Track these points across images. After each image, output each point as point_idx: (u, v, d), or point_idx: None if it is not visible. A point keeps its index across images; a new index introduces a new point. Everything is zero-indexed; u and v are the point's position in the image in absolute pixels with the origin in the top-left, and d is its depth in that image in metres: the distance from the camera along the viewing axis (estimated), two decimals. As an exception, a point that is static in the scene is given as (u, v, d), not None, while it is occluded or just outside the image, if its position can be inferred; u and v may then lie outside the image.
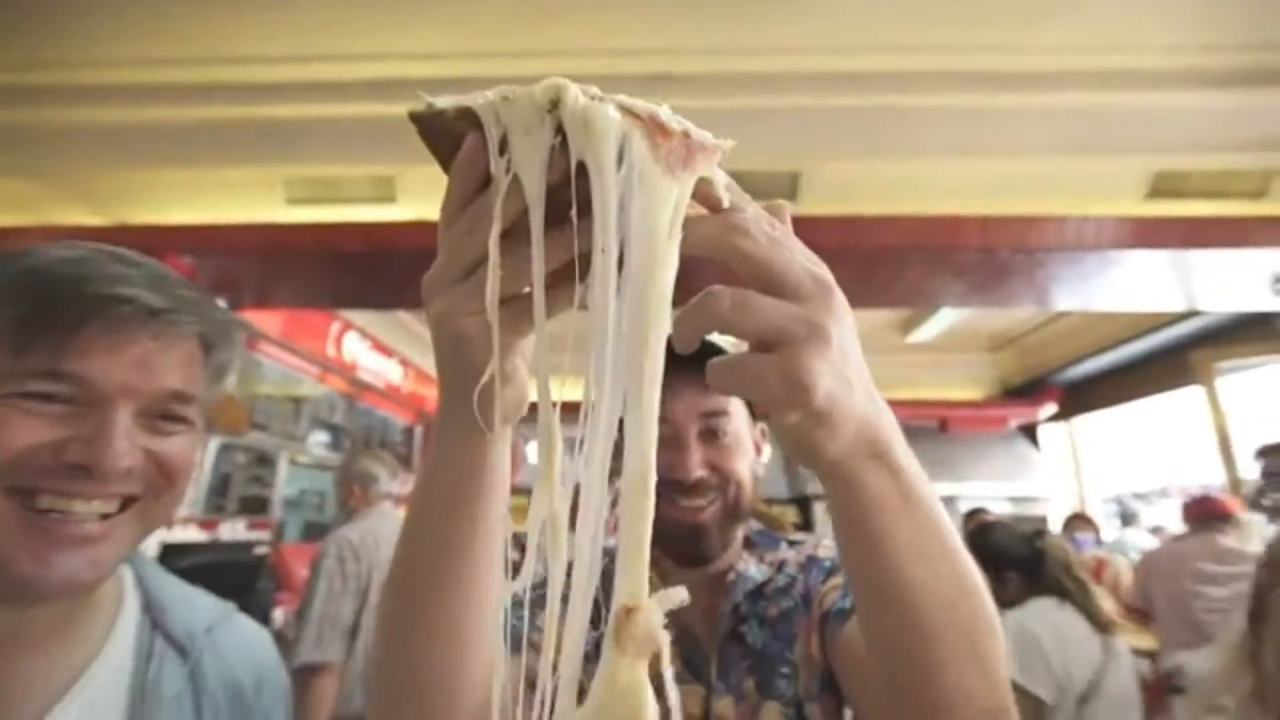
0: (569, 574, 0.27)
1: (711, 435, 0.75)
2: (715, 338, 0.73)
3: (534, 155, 0.30)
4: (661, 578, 0.75)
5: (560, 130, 0.29)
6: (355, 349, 5.04)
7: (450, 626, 0.41)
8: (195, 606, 0.65)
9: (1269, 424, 4.36)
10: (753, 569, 0.79)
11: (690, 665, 0.74)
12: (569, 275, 0.31)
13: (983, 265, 3.29)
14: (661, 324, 0.28)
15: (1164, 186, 3.05)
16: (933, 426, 6.47)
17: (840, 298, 0.33)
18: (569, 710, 0.26)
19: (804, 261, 0.33)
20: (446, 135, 0.33)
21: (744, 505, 0.77)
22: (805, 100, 2.76)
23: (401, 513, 2.30)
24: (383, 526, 2.45)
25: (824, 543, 0.82)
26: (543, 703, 0.26)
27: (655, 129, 0.29)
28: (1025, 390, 6.37)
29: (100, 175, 3.09)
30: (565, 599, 0.27)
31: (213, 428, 3.47)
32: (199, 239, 3.26)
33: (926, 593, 0.35)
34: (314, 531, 4.55)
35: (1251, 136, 2.84)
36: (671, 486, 0.72)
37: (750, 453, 0.79)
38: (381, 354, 5.51)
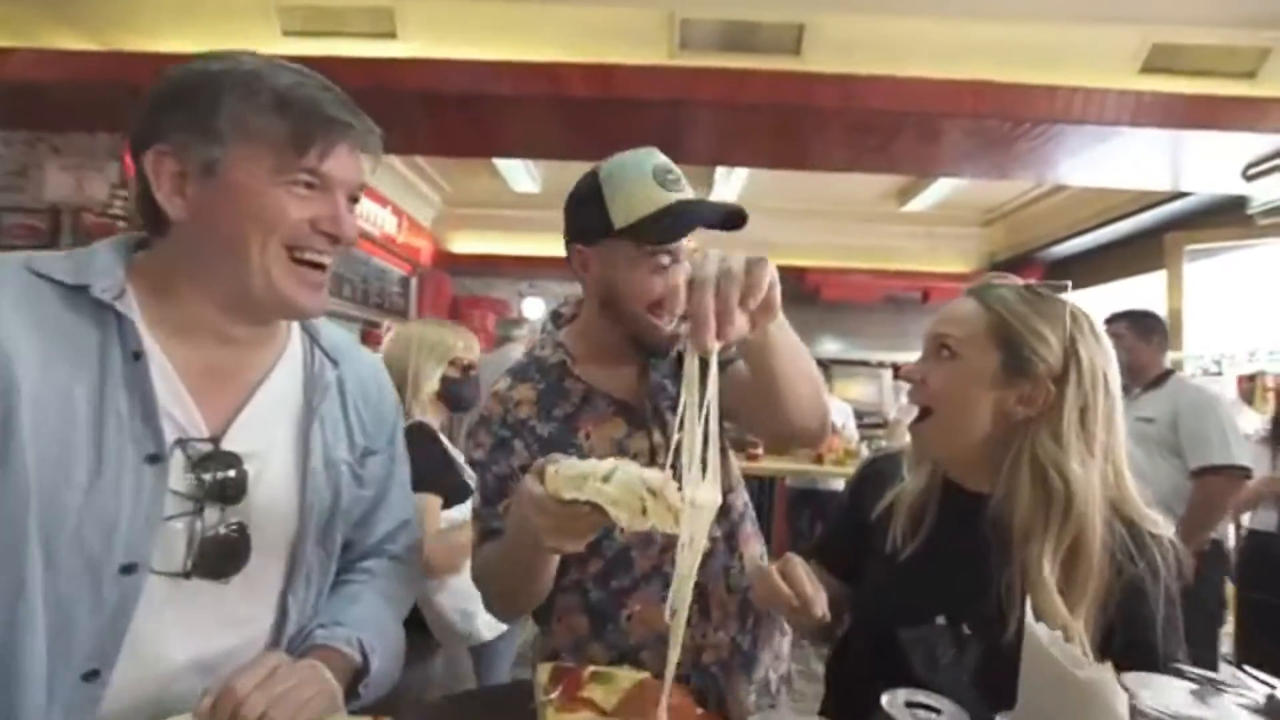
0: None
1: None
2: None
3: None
4: (612, 360, 1.01)
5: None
6: (353, 196, 5.09)
7: (527, 596, 0.88)
8: (335, 331, 0.89)
9: (1218, 308, 4.65)
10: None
11: (632, 424, 0.97)
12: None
13: (975, 133, 3.35)
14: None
15: (1159, 61, 3.06)
16: (915, 298, 6.70)
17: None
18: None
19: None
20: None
21: None
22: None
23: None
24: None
25: None
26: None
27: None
28: (1010, 266, 6.53)
29: (88, -5, 2.99)
30: None
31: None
32: (194, 70, 3.22)
33: (791, 361, 0.80)
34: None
35: (1249, 11, 2.82)
36: (661, 305, 0.91)
37: None
38: (376, 202, 5.53)
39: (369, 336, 5.18)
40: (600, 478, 0.55)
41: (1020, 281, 0.87)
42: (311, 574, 0.79)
